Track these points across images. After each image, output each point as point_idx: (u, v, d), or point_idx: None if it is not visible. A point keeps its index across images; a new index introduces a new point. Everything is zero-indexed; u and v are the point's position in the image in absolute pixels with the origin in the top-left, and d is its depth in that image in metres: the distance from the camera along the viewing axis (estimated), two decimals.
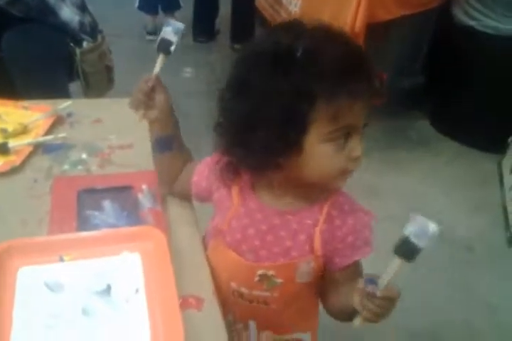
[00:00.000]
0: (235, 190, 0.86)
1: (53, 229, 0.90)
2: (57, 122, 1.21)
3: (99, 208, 0.96)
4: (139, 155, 1.11)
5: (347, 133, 0.73)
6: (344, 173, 0.77)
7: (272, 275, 0.85)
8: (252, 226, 0.85)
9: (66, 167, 1.08)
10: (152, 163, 1.04)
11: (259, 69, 0.72)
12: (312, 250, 0.83)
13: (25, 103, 1.26)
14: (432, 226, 0.61)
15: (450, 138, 2.72)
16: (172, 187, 1.00)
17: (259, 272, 0.85)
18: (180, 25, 0.89)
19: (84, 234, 0.86)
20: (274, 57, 0.71)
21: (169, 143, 0.95)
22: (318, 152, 0.73)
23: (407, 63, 2.59)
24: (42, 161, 1.09)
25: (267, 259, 0.84)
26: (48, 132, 1.17)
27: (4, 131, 1.14)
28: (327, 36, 0.73)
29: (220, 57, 3.37)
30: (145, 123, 1.09)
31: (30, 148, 1.10)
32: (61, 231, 0.89)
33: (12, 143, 1.11)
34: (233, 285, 0.89)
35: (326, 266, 0.85)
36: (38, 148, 1.12)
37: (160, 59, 0.90)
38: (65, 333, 0.73)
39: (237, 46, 3.44)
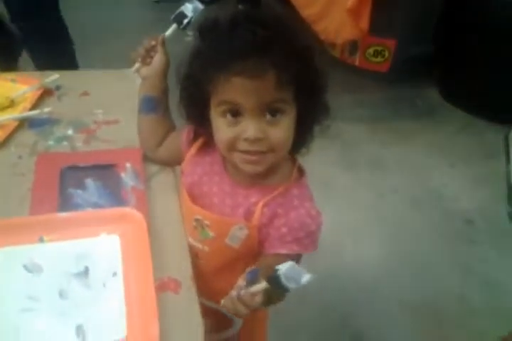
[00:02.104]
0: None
1: (35, 207, 0.89)
2: (45, 95, 1.19)
3: (82, 186, 0.95)
4: (125, 131, 1.08)
5: (235, 111, 0.74)
6: (234, 150, 0.76)
7: (207, 225, 0.85)
8: (209, 174, 0.87)
9: (51, 143, 1.06)
10: (137, 139, 1.03)
11: (197, 37, 0.78)
12: (249, 219, 0.82)
13: (13, 75, 1.24)
14: (306, 277, 0.63)
15: (457, 107, 2.65)
16: (155, 152, 1.01)
17: (196, 216, 0.86)
18: (200, 6, 0.98)
19: (64, 214, 0.85)
20: (202, 27, 0.77)
21: (154, 104, 0.98)
22: (214, 124, 0.78)
23: (416, 31, 2.49)
24: (27, 137, 1.07)
25: (207, 208, 0.85)
26: (35, 106, 1.15)
27: None
28: (253, 18, 0.74)
29: None
30: (131, 98, 1.08)
31: (16, 123, 1.09)
32: (42, 211, 0.89)
33: None
34: (185, 227, 0.90)
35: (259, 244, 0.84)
36: (24, 123, 1.10)
37: (172, 27, 0.99)
38: (41, 316, 0.74)
39: (242, 7, 3.33)
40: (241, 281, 0.70)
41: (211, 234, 0.85)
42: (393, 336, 1.64)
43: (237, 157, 0.77)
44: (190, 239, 0.89)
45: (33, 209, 0.89)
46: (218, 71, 0.72)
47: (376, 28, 2.28)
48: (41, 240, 0.83)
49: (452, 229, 2.04)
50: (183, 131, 0.94)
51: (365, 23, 2.26)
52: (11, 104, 1.15)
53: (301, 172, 0.86)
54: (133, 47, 1.02)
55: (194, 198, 0.88)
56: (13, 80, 1.22)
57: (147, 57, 0.99)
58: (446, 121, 2.60)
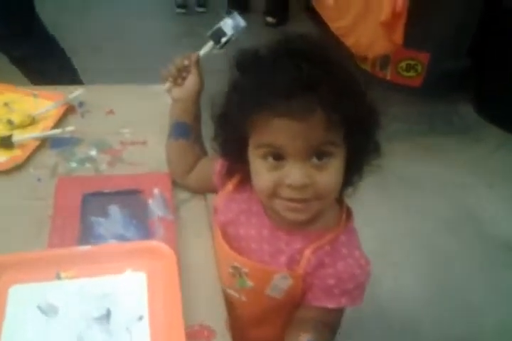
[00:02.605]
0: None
1: (54, 238, 0.81)
2: (68, 112, 1.12)
3: (105, 214, 0.87)
4: (153, 153, 1.01)
5: (277, 154, 0.65)
6: (275, 197, 0.68)
7: (245, 273, 0.76)
8: (247, 213, 0.79)
9: (73, 165, 0.98)
10: (166, 163, 0.95)
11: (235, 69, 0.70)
12: (292, 268, 0.74)
13: (36, 90, 1.17)
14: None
15: (494, 124, 2.54)
16: (184, 179, 0.93)
17: (234, 264, 0.77)
18: (243, 23, 0.91)
19: (84, 248, 0.77)
20: (241, 59, 0.69)
21: (186, 131, 0.92)
22: (253, 166, 0.70)
23: (451, 44, 2.39)
24: (47, 157, 1.00)
25: (244, 253, 0.77)
26: (58, 123, 1.08)
27: (10, 122, 1.05)
28: (296, 49, 0.66)
29: (251, 33, 3.22)
30: (160, 118, 1.01)
31: (37, 143, 1.02)
32: (62, 241, 0.81)
33: (17, 136, 1.02)
34: (219, 273, 0.82)
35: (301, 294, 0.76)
36: (45, 142, 1.03)
37: (208, 45, 0.92)
38: None
39: (269, 19, 3.28)
40: None
41: (250, 283, 0.76)
42: None
43: (278, 204, 0.69)
44: (226, 287, 0.80)
45: (52, 240, 0.81)
46: (259, 111, 0.64)
47: (409, 41, 2.18)
48: (58, 277, 0.74)
49: (491, 254, 1.91)
50: (217, 161, 0.85)
51: (399, 36, 2.16)
52: (32, 121, 1.08)
53: (347, 214, 0.77)
54: (156, 62, 0.95)
55: (228, 239, 0.79)
56: (35, 95, 1.16)
57: (179, 77, 0.92)
58: (482, 138, 2.48)
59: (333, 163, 0.66)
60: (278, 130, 0.63)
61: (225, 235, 0.80)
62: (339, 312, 0.76)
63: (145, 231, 0.84)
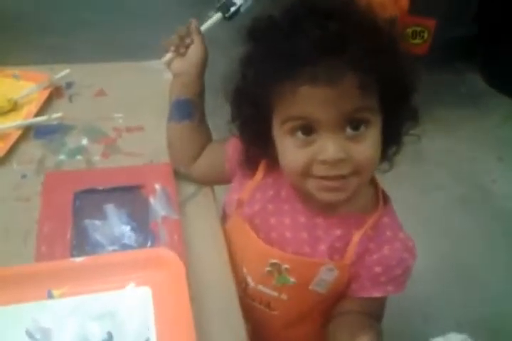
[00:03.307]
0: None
1: (42, 247, 0.70)
2: (54, 95, 1.00)
3: (101, 216, 0.76)
4: (151, 140, 0.90)
5: (307, 128, 0.59)
6: (308, 176, 0.61)
7: (286, 269, 0.69)
8: (275, 200, 0.71)
9: (62, 157, 0.87)
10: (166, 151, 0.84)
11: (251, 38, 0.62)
12: (333, 257, 0.68)
13: (16, 70, 1.04)
14: None
15: (504, 94, 2.44)
16: (190, 168, 0.82)
17: (273, 261, 0.70)
18: None
19: (79, 260, 0.66)
20: (254, 29, 0.62)
21: (190, 110, 0.81)
22: (281, 145, 0.63)
23: (458, 10, 2.28)
24: (33, 149, 0.88)
25: (277, 245, 0.70)
26: (43, 109, 0.96)
27: None
28: (317, 8, 0.59)
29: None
30: (158, 98, 0.89)
31: (19, 132, 0.90)
32: (52, 251, 0.70)
33: None
34: (244, 270, 0.74)
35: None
36: (29, 132, 0.91)
37: (215, 17, 0.84)
38: None
39: None
40: None
41: (292, 279, 0.69)
42: None
43: (312, 184, 0.62)
44: (261, 287, 0.73)
45: (40, 251, 0.70)
46: (280, 81, 0.57)
47: (415, 6, 2.08)
48: (50, 295, 0.64)
49: (504, 230, 1.83)
50: (228, 145, 0.77)
51: (404, 2, 2.06)
52: (14, 107, 0.95)
53: (384, 195, 0.71)
54: (157, 36, 0.83)
55: (257, 232, 0.71)
56: (15, 76, 1.03)
57: (182, 46, 0.81)
58: (492, 109, 2.39)
59: (370, 133, 0.60)
60: (304, 99, 0.57)
61: (253, 229, 0.72)
62: (384, 301, 0.72)
63: (147, 236, 0.73)
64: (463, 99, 2.43)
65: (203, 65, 0.82)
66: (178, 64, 0.82)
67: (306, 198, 0.68)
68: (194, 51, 0.81)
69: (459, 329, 1.49)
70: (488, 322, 1.54)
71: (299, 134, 0.59)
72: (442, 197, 1.95)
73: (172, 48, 0.82)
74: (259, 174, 0.73)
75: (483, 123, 2.31)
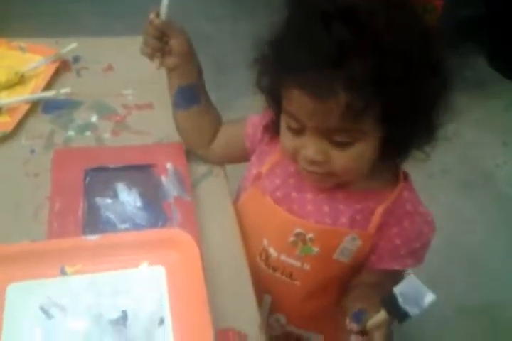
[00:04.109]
0: None
1: (54, 224, 0.70)
2: (61, 69, 0.98)
3: (112, 194, 0.75)
4: (161, 118, 0.88)
5: (300, 124, 0.60)
6: (296, 162, 0.65)
7: (310, 238, 0.70)
8: (296, 176, 0.71)
9: (71, 133, 0.85)
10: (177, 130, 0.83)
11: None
12: (354, 229, 0.68)
13: (22, 42, 1.02)
14: (429, 297, 0.50)
15: (509, 78, 2.41)
16: (208, 150, 0.82)
17: (297, 230, 0.70)
18: None
19: (92, 238, 0.66)
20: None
21: (195, 94, 0.79)
22: (282, 127, 0.65)
23: None
24: (41, 124, 0.86)
25: (298, 217, 0.71)
26: (50, 83, 0.94)
27: None
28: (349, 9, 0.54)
29: None
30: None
31: (27, 106, 0.88)
32: (64, 228, 0.69)
33: (4, 98, 0.88)
34: (265, 242, 0.73)
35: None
36: (37, 106, 0.89)
37: (164, 1, 0.72)
38: None
39: None
40: (352, 325, 0.56)
41: (316, 249, 0.70)
42: None
43: (301, 169, 0.66)
44: (284, 257, 0.73)
45: (52, 228, 0.69)
46: (284, 76, 0.59)
47: None
48: (63, 272, 0.63)
49: (508, 215, 1.83)
50: (247, 122, 0.78)
51: None
52: (21, 80, 0.93)
53: (404, 172, 0.72)
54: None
55: (277, 201, 0.72)
56: (22, 49, 1.01)
57: (162, 46, 0.75)
58: (497, 93, 2.36)
59: (356, 147, 0.60)
60: (297, 102, 0.58)
61: (274, 197, 0.72)
62: (401, 274, 0.72)
63: (159, 216, 0.73)
64: (468, 83, 2.40)
65: (191, 49, 0.77)
66: (170, 61, 0.76)
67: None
68: (176, 43, 0.75)
69: (460, 314, 1.50)
70: (490, 308, 1.55)
71: (292, 125, 0.61)
72: (446, 182, 1.95)
73: (157, 54, 0.76)
74: (279, 151, 0.73)
75: (488, 107, 2.29)
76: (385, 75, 0.53)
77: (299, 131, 0.61)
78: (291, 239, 0.70)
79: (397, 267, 0.70)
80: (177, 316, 0.61)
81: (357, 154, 0.60)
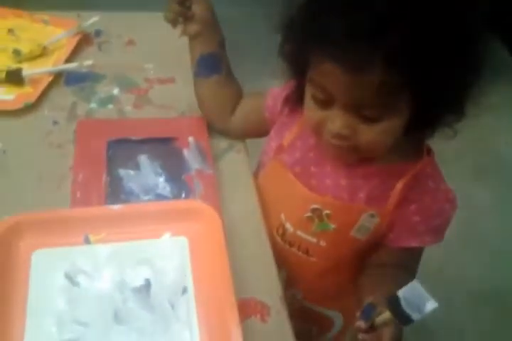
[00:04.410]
0: None
1: (77, 193, 0.70)
2: (83, 43, 0.97)
3: (134, 166, 0.76)
4: (183, 93, 0.88)
5: (328, 96, 0.58)
6: (320, 135, 0.63)
7: (327, 214, 0.69)
8: (316, 149, 0.70)
9: (93, 105, 0.86)
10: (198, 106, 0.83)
11: None
12: (371, 204, 0.67)
13: (45, 15, 1.01)
14: (431, 304, 0.50)
15: None
16: (228, 123, 0.82)
17: (314, 206, 0.69)
18: None
19: (115, 208, 0.66)
20: None
21: (216, 63, 0.79)
22: (306, 98, 0.63)
23: None
24: (63, 96, 0.87)
25: (316, 192, 0.70)
26: (72, 56, 0.94)
27: (18, 53, 0.91)
28: None
29: None
30: (188, 52, 0.87)
31: (50, 78, 0.88)
32: (87, 198, 0.70)
33: (27, 69, 0.88)
34: (282, 217, 0.74)
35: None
36: (59, 78, 0.89)
37: None
38: None
39: None
40: (360, 323, 0.54)
41: (332, 225, 0.69)
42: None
43: (324, 142, 0.63)
44: (300, 232, 0.72)
45: (76, 197, 0.70)
46: (315, 46, 0.56)
47: None
48: (87, 241, 0.64)
49: None
50: (268, 94, 0.78)
51: None
52: (43, 52, 0.94)
53: (428, 147, 0.70)
54: None
55: (296, 175, 0.71)
56: (45, 21, 1.01)
57: (185, 12, 0.75)
58: None
59: (387, 122, 0.58)
60: (327, 74, 0.56)
61: (293, 171, 0.71)
62: (420, 253, 0.72)
63: (182, 188, 0.73)
64: (484, 68, 2.38)
65: (213, 17, 0.77)
66: (192, 27, 0.77)
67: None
68: (199, 9, 0.75)
69: (470, 299, 1.50)
70: (501, 293, 1.56)
71: (320, 96, 0.59)
72: (461, 166, 1.94)
73: (179, 19, 0.76)
74: (299, 123, 0.72)
75: (504, 94, 2.27)
76: (423, 51, 0.51)
77: (325, 103, 0.59)
78: (308, 214, 0.70)
79: (415, 244, 0.69)
80: (200, 285, 0.61)
81: (384, 130, 0.58)
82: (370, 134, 0.59)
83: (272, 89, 0.78)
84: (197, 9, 0.75)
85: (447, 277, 1.57)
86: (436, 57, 0.52)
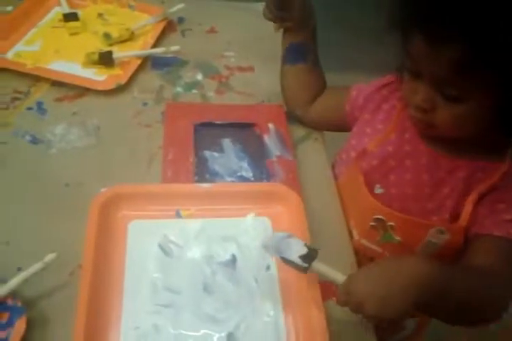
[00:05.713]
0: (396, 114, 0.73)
1: (167, 171, 0.75)
2: (167, 29, 1.02)
3: (218, 149, 0.80)
4: (262, 82, 0.92)
5: (416, 72, 0.60)
6: (409, 106, 0.64)
7: (391, 226, 0.69)
8: (395, 157, 0.71)
9: (179, 89, 0.90)
10: (279, 94, 0.87)
11: None
12: (453, 216, 0.65)
13: (131, 0, 1.06)
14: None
15: None
16: (306, 111, 0.84)
17: (377, 216, 0.70)
18: None
19: (205, 186, 0.71)
20: None
21: (303, 53, 0.82)
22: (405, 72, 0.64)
23: None
24: (151, 80, 0.91)
25: (397, 202, 0.70)
26: (158, 41, 0.98)
27: (108, 36, 0.96)
28: None
29: None
30: (268, 42, 0.90)
31: (138, 61, 0.93)
32: (176, 175, 0.74)
33: (117, 52, 0.93)
34: (351, 223, 0.75)
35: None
36: (146, 62, 0.94)
37: None
38: (183, 315, 0.60)
39: None
40: None
41: (397, 238, 0.69)
42: None
43: (410, 113, 0.65)
44: (364, 241, 0.74)
45: (166, 174, 0.75)
46: (408, 20, 0.59)
47: None
48: (178, 215, 0.69)
49: None
50: (353, 87, 0.80)
51: None
52: (131, 36, 0.98)
53: None
54: None
55: (370, 177, 0.72)
56: (131, 7, 1.06)
57: (281, 14, 0.79)
58: None
59: (464, 106, 0.58)
60: (415, 45, 0.58)
61: (369, 178, 0.72)
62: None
63: (264, 172, 0.77)
64: None
65: (309, 12, 0.80)
66: (286, 25, 0.81)
67: (430, 139, 0.68)
68: (294, 10, 0.78)
69: None
70: None
71: (409, 65, 0.62)
72: None
73: (276, 19, 0.80)
74: (393, 123, 0.72)
75: None
76: (506, 33, 0.51)
77: (415, 74, 0.61)
78: (372, 223, 0.71)
79: (498, 233, 0.63)
80: (282, 265, 0.65)
81: (463, 113, 0.58)
82: (447, 114, 0.59)
83: (357, 84, 0.80)
84: (293, 11, 0.78)
85: None
86: None
